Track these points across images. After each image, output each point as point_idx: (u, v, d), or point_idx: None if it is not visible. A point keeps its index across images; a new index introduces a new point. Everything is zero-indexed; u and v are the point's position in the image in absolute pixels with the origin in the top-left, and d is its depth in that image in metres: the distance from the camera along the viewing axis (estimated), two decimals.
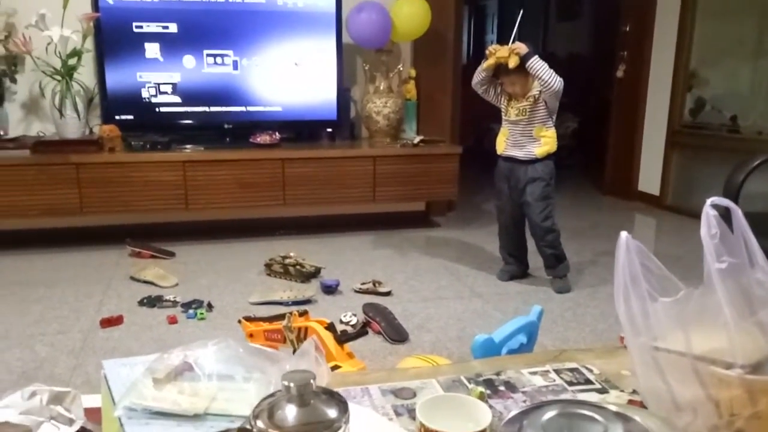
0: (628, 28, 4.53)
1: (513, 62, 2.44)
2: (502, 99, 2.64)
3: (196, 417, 0.73)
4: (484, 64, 2.54)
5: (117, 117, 3.27)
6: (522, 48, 2.44)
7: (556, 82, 2.44)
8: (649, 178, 4.48)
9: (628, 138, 4.59)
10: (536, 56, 2.44)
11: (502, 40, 2.52)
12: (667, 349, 0.72)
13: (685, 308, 0.72)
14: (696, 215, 0.74)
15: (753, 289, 0.69)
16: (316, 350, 0.83)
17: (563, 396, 0.96)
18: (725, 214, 0.76)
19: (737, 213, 0.73)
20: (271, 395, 0.60)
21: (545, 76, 2.43)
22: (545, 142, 2.58)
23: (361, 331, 1.54)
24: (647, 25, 4.37)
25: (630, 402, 0.92)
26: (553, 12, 7.51)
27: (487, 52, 2.53)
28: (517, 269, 2.83)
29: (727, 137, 3.95)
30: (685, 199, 4.18)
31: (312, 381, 0.58)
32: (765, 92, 3.75)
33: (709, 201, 0.72)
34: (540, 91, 2.51)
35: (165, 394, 0.76)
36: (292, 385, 0.57)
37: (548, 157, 2.61)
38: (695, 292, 0.73)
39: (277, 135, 3.41)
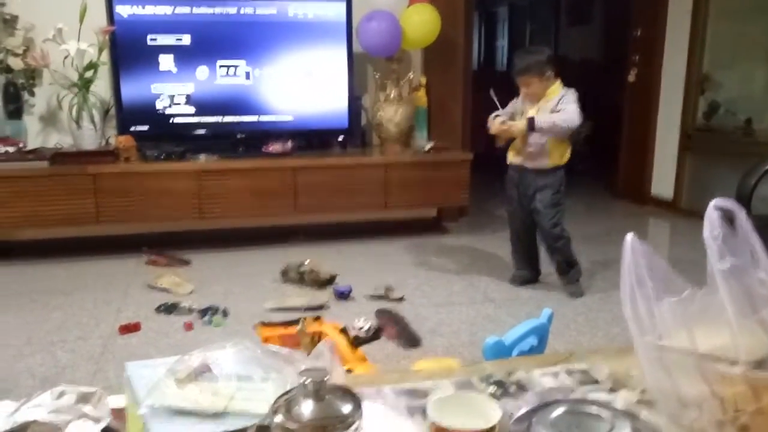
0: (639, 33, 4.53)
1: (519, 133, 2.53)
2: (521, 113, 2.65)
3: (216, 415, 0.76)
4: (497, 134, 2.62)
5: (132, 128, 3.33)
6: (520, 128, 2.50)
7: (570, 124, 2.46)
8: (663, 182, 4.46)
9: (640, 142, 4.59)
10: (539, 120, 2.47)
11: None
12: (672, 347, 0.74)
13: (689, 307, 0.74)
14: None
15: (756, 289, 0.71)
16: (330, 351, 0.85)
17: (573, 396, 0.97)
18: (731, 216, 0.77)
19: (741, 214, 0.75)
20: (289, 391, 0.63)
21: (559, 129, 2.47)
22: (559, 154, 2.60)
23: (375, 335, 1.56)
24: (659, 29, 4.37)
25: (639, 401, 0.94)
26: (564, 17, 7.52)
27: (491, 126, 2.60)
28: (528, 274, 2.84)
29: (741, 140, 3.93)
30: (699, 203, 4.16)
31: (326, 378, 0.61)
32: None
33: (712, 203, 0.74)
34: (558, 107, 2.52)
35: (186, 393, 0.79)
36: (308, 381, 0.60)
37: (558, 166, 2.63)
38: (699, 291, 0.74)
39: (289, 144, 3.46)
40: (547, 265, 2.82)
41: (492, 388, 0.97)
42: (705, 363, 0.70)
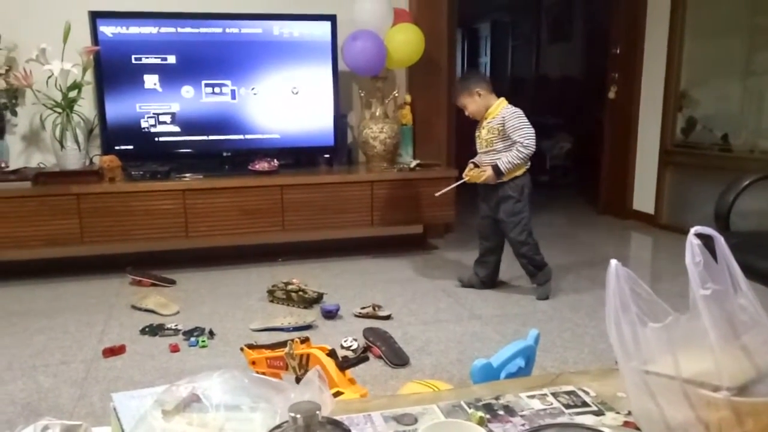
0: (618, 50, 4.61)
1: (489, 180, 2.76)
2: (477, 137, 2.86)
3: None
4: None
5: (117, 147, 3.32)
6: (489, 178, 2.73)
7: (528, 152, 2.67)
8: (644, 197, 4.53)
9: (621, 158, 4.65)
10: (501, 165, 2.70)
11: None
12: (657, 372, 0.75)
13: (673, 333, 0.75)
14: None
15: (737, 314, 0.73)
16: (320, 379, 0.85)
17: (560, 419, 0.98)
18: (710, 241, 0.79)
19: (720, 241, 0.77)
20: (278, 426, 0.63)
21: (520, 161, 2.69)
22: (516, 168, 2.76)
23: (363, 356, 1.56)
24: (637, 47, 4.46)
25: (625, 424, 0.95)
26: (546, 34, 7.64)
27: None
28: (477, 281, 3.00)
29: (719, 156, 4.00)
30: (679, 217, 4.23)
31: (317, 412, 0.61)
32: (755, 111, 3.81)
33: (692, 230, 0.76)
34: (503, 126, 2.71)
35: (174, 425, 0.78)
36: (298, 416, 0.60)
37: (517, 177, 2.79)
38: (682, 317, 0.76)
39: (276, 162, 3.46)
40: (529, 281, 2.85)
41: (481, 412, 0.98)
42: (689, 388, 0.72)
